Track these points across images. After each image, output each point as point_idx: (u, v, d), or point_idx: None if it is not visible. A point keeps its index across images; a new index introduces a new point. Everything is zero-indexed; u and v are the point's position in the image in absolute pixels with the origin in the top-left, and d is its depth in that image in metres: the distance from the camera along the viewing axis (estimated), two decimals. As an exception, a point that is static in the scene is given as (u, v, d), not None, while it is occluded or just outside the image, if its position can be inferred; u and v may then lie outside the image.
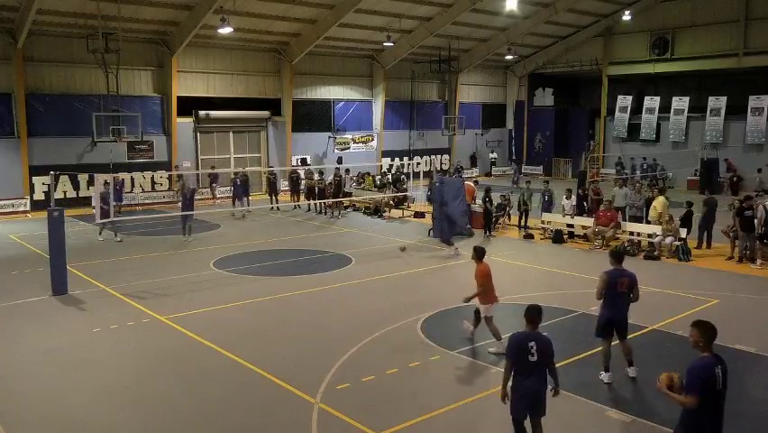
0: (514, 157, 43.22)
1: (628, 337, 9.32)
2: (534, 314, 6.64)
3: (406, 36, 33.61)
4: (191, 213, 19.70)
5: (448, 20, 32.07)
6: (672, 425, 7.67)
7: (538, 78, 43.14)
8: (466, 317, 10.97)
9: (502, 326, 11.18)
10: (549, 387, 6.65)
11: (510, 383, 6.54)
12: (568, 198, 20.48)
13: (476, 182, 24.39)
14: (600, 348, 9.26)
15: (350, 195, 26.62)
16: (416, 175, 25.62)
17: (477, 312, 10.54)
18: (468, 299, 10.37)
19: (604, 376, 9.05)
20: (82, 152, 26.98)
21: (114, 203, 23.94)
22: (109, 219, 18.45)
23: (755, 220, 16.25)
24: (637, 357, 9.27)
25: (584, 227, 19.68)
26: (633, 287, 8.96)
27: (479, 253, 10.36)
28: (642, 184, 23.70)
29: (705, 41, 34.68)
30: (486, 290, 10.17)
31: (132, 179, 28.10)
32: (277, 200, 26.62)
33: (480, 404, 8.37)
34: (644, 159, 34.66)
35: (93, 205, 23.30)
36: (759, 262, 16.19)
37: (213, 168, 29.38)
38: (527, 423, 6.60)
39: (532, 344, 6.44)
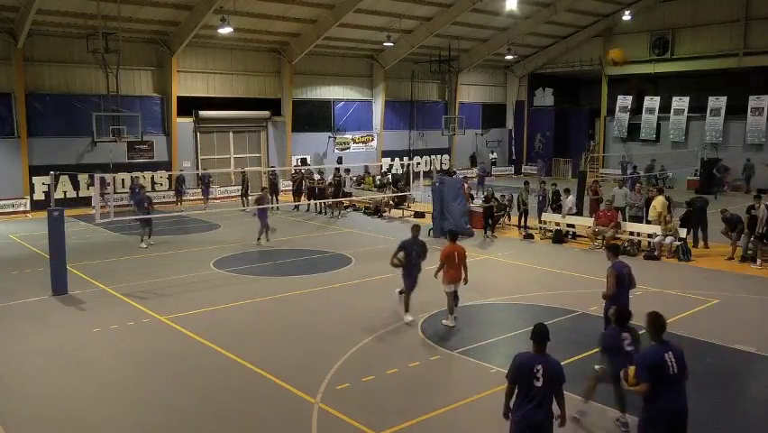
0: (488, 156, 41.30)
1: None
2: (539, 335, 6.02)
3: (406, 36, 33.60)
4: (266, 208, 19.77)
5: (448, 20, 32.07)
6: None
7: (538, 78, 43.13)
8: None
9: (502, 326, 11.20)
10: (555, 415, 6.06)
11: (512, 405, 6.02)
12: (566, 197, 20.44)
13: (465, 177, 24.29)
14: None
15: (350, 195, 26.60)
16: (417, 175, 25.61)
17: (454, 294, 11.47)
18: (435, 274, 11.44)
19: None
20: (82, 152, 26.98)
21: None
22: (146, 218, 18.86)
23: (757, 219, 16.26)
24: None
25: (570, 226, 19.78)
26: (632, 276, 9.46)
27: (450, 235, 11.73)
28: (641, 184, 23.74)
29: (705, 41, 34.68)
30: (446, 267, 11.24)
31: (132, 179, 28.09)
32: (277, 200, 26.61)
33: (480, 404, 8.37)
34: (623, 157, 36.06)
35: (93, 205, 23.33)
36: (759, 261, 16.19)
37: (181, 170, 28.82)
38: None
39: (538, 367, 5.84)
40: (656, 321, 6.02)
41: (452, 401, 8.40)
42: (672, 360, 5.85)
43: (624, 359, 6.98)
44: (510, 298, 13.31)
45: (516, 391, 5.95)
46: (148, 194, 21.42)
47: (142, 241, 18.86)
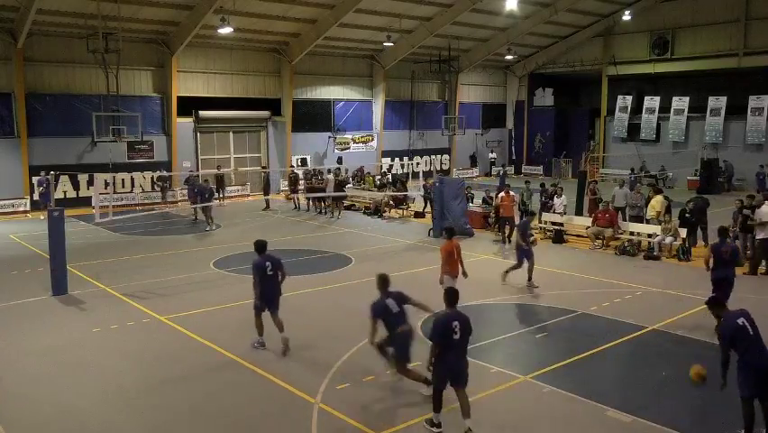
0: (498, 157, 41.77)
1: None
2: (452, 296, 7.64)
3: (406, 36, 33.61)
4: None
5: (448, 20, 32.07)
6: (673, 425, 7.71)
7: (538, 78, 43.12)
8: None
9: (502, 326, 11.18)
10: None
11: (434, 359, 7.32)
12: (558, 195, 20.38)
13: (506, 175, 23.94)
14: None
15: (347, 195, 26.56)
16: (416, 175, 25.62)
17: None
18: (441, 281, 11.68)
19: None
20: (82, 152, 26.98)
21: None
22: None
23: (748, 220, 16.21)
24: (637, 357, 9.29)
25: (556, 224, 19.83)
26: (737, 254, 11.01)
27: (448, 233, 12.02)
28: (641, 184, 23.76)
29: (705, 41, 34.68)
30: (447, 263, 11.66)
31: (133, 179, 28.16)
32: (267, 203, 26.58)
33: (479, 404, 8.36)
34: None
35: (93, 205, 23.32)
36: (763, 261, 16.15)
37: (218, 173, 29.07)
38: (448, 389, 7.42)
39: (455, 323, 7.31)
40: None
41: (453, 401, 8.37)
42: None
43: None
44: (510, 298, 13.31)
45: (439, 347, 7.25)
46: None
47: (209, 226, 21.43)
